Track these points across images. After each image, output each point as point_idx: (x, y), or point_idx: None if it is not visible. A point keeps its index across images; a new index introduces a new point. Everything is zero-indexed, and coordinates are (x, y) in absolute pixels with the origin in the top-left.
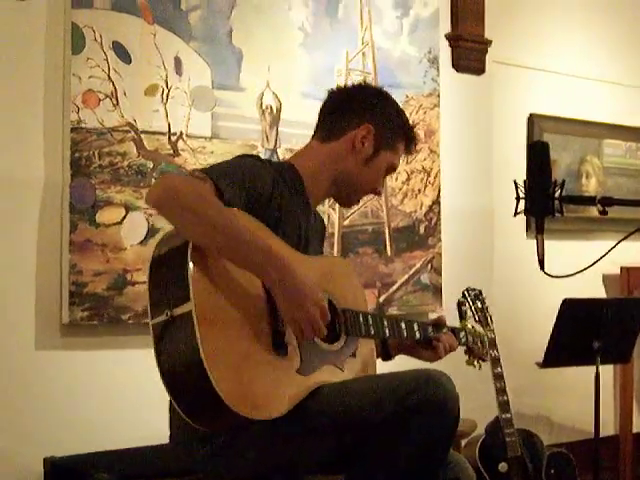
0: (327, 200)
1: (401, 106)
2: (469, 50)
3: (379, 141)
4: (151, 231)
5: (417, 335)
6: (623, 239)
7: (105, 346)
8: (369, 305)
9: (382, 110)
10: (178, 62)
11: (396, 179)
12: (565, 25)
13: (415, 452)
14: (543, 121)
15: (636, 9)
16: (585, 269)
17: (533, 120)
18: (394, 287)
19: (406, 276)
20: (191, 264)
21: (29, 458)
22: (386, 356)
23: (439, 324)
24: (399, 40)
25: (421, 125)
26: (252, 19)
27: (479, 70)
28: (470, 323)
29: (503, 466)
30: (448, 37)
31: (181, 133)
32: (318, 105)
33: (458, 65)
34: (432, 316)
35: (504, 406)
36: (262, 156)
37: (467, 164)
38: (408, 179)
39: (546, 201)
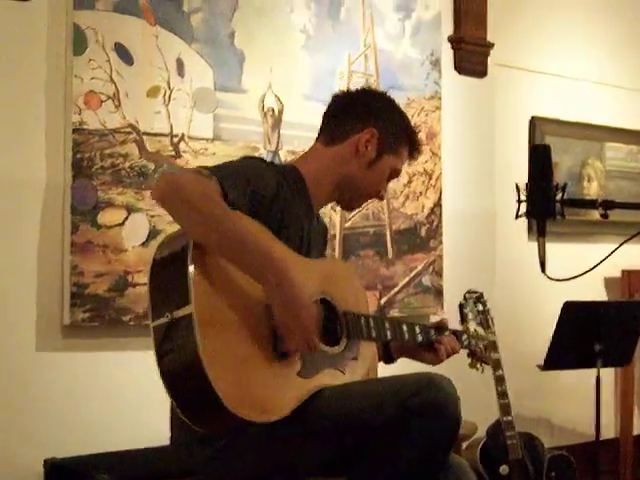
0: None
1: (403, 108)
2: (471, 53)
3: (382, 145)
4: (152, 233)
5: (419, 338)
6: (624, 242)
7: (106, 347)
8: (370, 307)
9: (386, 114)
10: (180, 64)
11: (397, 181)
12: (567, 28)
13: (416, 455)
14: (545, 124)
15: (637, 12)
16: (586, 272)
17: (535, 123)
18: (395, 289)
19: (407, 278)
20: (192, 267)
21: (29, 459)
22: (388, 359)
23: (441, 327)
24: (401, 42)
25: (423, 127)
26: (254, 21)
27: (481, 73)
28: (472, 326)
29: (504, 469)
30: (450, 40)
31: (183, 135)
32: (320, 107)
33: (460, 68)
34: (433, 318)
35: (505, 409)
36: (264, 158)
37: (469, 167)
38: (410, 181)
39: (548, 204)
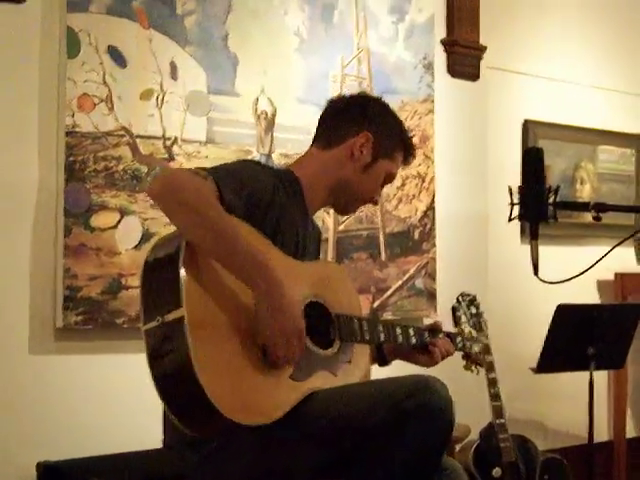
0: None
1: (396, 112)
2: (464, 56)
3: (377, 149)
4: (146, 236)
5: (413, 340)
6: (617, 245)
7: (99, 350)
8: (363, 310)
9: (381, 119)
10: (173, 67)
11: (391, 184)
12: (560, 32)
13: (410, 457)
14: (538, 127)
15: (630, 15)
16: (579, 275)
17: (528, 126)
18: (388, 292)
19: (400, 281)
20: (183, 270)
21: (22, 462)
22: (382, 361)
23: (435, 329)
24: (394, 46)
25: (416, 131)
26: (248, 24)
27: (474, 76)
28: (467, 328)
29: (497, 471)
30: (443, 43)
31: (176, 138)
32: (313, 110)
33: (453, 71)
34: (427, 321)
35: (498, 411)
36: (260, 161)
37: (462, 170)
38: (403, 184)
39: (540, 207)
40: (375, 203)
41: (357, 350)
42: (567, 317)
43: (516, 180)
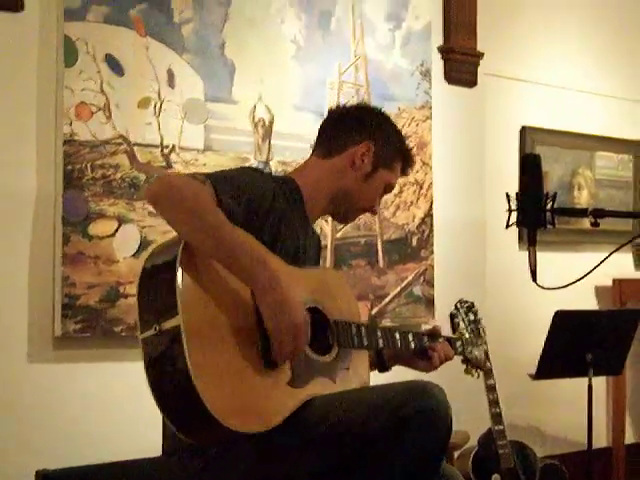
0: None
1: (393, 118)
2: (461, 63)
3: (378, 159)
4: (144, 244)
5: (412, 345)
6: (615, 251)
7: (98, 358)
8: (362, 317)
9: (382, 129)
10: (171, 75)
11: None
12: (557, 38)
13: (409, 463)
14: (535, 133)
15: (628, 22)
16: (577, 281)
17: (525, 132)
18: (387, 299)
19: (398, 288)
20: (179, 277)
21: (21, 471)
22: (382, 367)
23: (434, 334)
24: (391, 53)
25: (413, 137)
26: (245, 32)
27: (471, 82)
28: (466, 334)
29: (496, 478)
30: (440, 50)
31: (174, 146)
32: (310, 118)
33: (450, 77)
34: (425, 327)
35: (497, 418)
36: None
37: (459, 176)
38: (400, 191)
39: (538, 213)
40: (374, 213)
41: (356, 356)
42: (565, 323)
43: (514, 186)
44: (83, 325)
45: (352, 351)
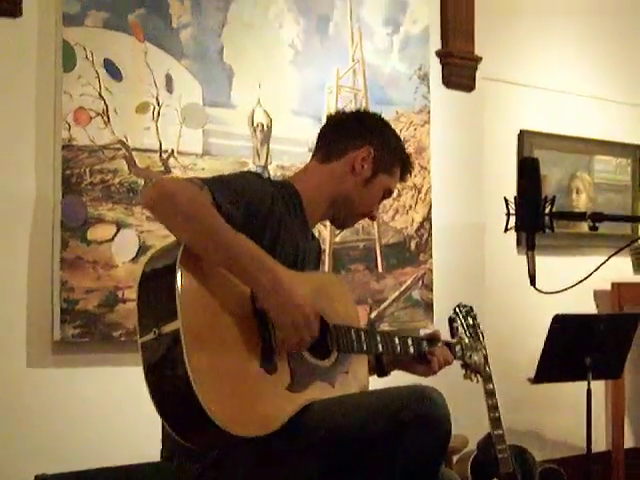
0: None
1: (392, 123)
2: (459, 67)
3: (378, 164)
4: (142, 248)
5: (411, 350)
6: (613, 255)
7: (96, 363)
8: (361, 322)
9: (382, 134)
10: (169, 79)
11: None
12: (555, 42)
13: (408, 468)
14: (533, 137)
15: (626, 26)
16: (576, 285)
17: (523, 136)
18: (385, 303)
19: (397, 292)
20: (179, 281)
21: (20, 475)
22: (381, 372)
23: (434, 339)
24: (389, 57)
25: (412, 142)
26: (243, 37)
27: (469, 87)
28: (465, 339)
29: None
30: (438, 54)
31: (172, 150)
32: (309, 122)
33: (448, 82)
34: (424, 332)
35: (496, 422)
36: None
37: (458, 180)
38: (399, 195)
39: (537, 217)
40: (373, 218)
41: (355, 361)
42: (564, 327)
43: (512, 190)
44: (82, 330)
45: (351, 356)
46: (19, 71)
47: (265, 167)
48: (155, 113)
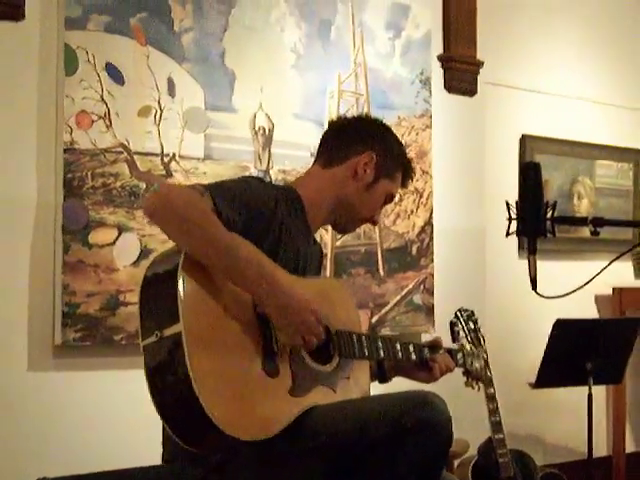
0: None
1: (393, 127)
2: (461, 71)
3: (380, 169)
4: (144, 252)
5: (413, 356)
6: (615, 259)
7: (98, 367)
8: (363, 326)
9: (384, 139)
10: (171, 83)
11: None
12: (557, 46)
13: (409, 473)
14: (535, 142)
15: (629, 30)
16: (577, 289)
17: (525, 141)
18: (386, 308)
19: (398, 297)
20: (181, 285)
21: (21, 479)
22: (382, 378)
23: (435, 345)
24: (391, 62)
25: (413, 146)
26: (245, 41)
27: (471, 91)
28: (467, 344)
29: None
30: (440, 58)
31: (174, 154)
32: (311, 126)
33: (450, 86)
34: (425, 336)
35: (497, 426)
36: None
37: (459, 185)
38: (400, 200)
39: (538, 222)
40: (374, 223)
41: (357, 366)
42: (565, 332)
43: (514, 195)
44: (83, 333)
45: (353, 361)
46: (21, 74)
47: (267, 171)
48: (157, 117)
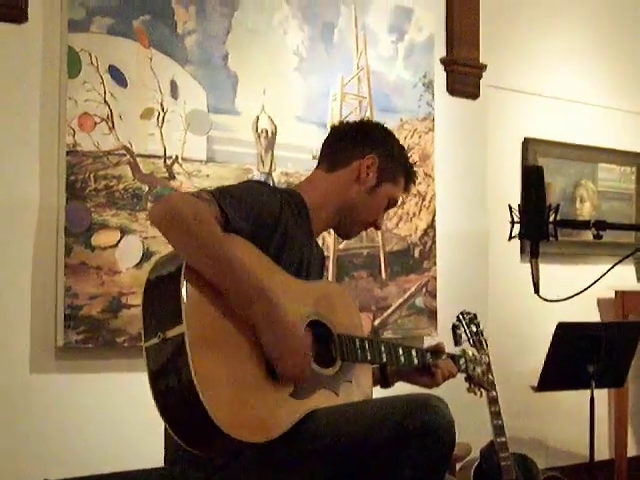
0: None
1: (396, 130)
2: (464, 74)
3: (382, 172)
4: (146, 254)
5: (415, 361)
6: (617, 263)
7: (100, 369)
8: (365, 330)
9: (386, 143)
10: (174, 86)
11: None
12: (560, 49)
13: (412, 476)
14: (537, 145)
15: (632, 33)
16: (580, 293)
17: (528, 144)
18: (389, 311)
19: (401, 300)
20: (184, 287)
21: None
22: (384, 383)
23: (438, 350)
24: (394, 65)
25: (416, 149)
26: (248, 43)
27: (474, 94)
28: (471, 350)
29: None
30: (443, 62)
31: (177, 157)
32: (313, 129)
33: (453, 89)
34: (427, 340)
35: (499, 430)
36: (267, 182)
37: (462, 188)
38: (403, 203)
39: (541, 225)
40: (377, 228)
41: (359, 370)
42: (568, 335)
43: (516, 198)
44: (85, 336)
45: (355, 365)
46: (24, 76)
47: (269, 174)
48: (160, 119)
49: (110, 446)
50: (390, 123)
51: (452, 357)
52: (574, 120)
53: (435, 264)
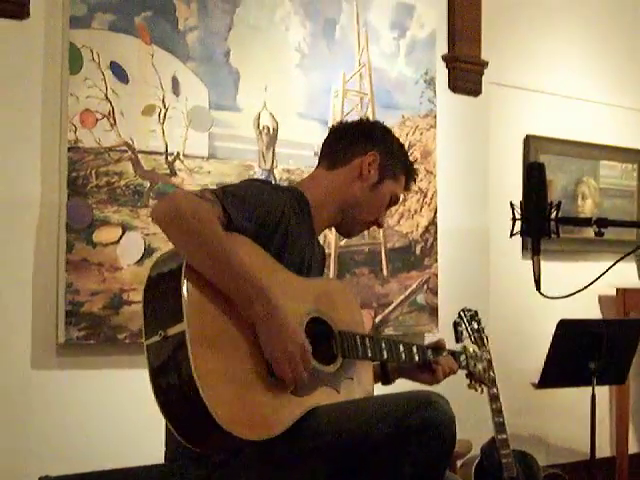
0: None
1: (397, 127)
2: (465, 71)
3: (384, 170)
4: (148, 251)
5: (416, 358)
6: (619, 260)
7: (101, 365)
8: (366, 327)
9: (386, 141)
10: (175, 82)
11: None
12: (562, 47)
13: (413, 472)
14: (539, 142)
15: (633, 31)
16: (581, 290)
17: (529, 141)
18: (390, 307)
19: (402, 296)
20: (185, 284)
21: (24, 477)
22: (385, 380)
23: (438, 347)
24: (396, 61)
25: (417, 146)
26: (249, 40)
27: (475, 91)
28: (472, 347)
29: None
30: (445, 58)
31: (178, 153)
32: (315, 126)
33: (454, 86)
34: (428, 337)
35: (500, 427)
36: (258, 177)
37: (463, 185)
38: (404, 200)
39: (542, 222)
40: (380, 226)
41: (360, 367)
42: (569, 332)
43: (518, 195)
44: (87, 332)
45: (356, 362)
46: (26, 73)
47: (271, 170)
48: (161, 116)
49: (111, 442)
50: (392, 120)
51: (453, 354)
52: (576, 117)
53: (436, 261)
